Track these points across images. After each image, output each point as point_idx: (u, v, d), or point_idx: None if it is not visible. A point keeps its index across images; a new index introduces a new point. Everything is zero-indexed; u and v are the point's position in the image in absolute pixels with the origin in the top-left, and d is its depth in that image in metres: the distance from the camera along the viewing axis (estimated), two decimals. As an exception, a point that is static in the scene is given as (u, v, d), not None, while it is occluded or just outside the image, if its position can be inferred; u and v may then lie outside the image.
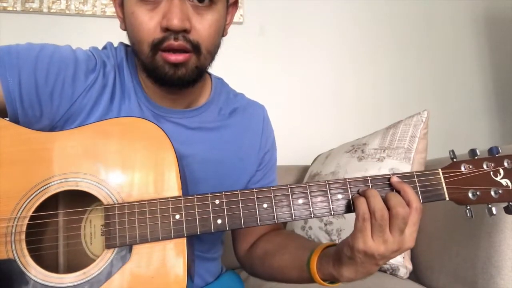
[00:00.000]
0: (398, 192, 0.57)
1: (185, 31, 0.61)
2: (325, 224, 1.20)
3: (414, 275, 1.10)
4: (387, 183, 0.59)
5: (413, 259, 1.11)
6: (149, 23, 0.61)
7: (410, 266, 1.08)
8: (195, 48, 0.63)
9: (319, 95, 1.84)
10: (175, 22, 0.59)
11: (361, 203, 0.55)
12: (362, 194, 0.56)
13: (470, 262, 0.88)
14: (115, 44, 0.77)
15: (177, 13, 0.59)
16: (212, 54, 0.67)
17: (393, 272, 1.08)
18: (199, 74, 0.67)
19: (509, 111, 1.94)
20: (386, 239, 0.53)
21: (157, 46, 0.62)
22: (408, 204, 0.55)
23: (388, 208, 0.54)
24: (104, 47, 0.76)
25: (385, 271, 1.10)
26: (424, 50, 1.93)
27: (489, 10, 1.99)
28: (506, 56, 1.96)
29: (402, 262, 1.07)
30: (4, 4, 1.62)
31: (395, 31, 1.92)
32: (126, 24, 0.67)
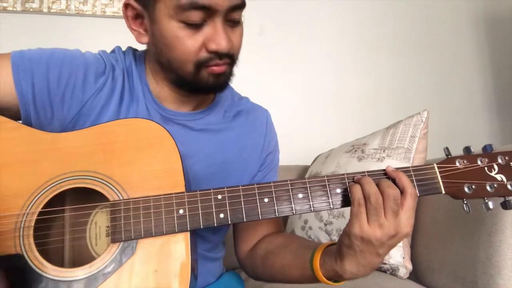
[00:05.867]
0: (394, 180, 0.59)
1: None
2: (325, 224, 1.21)
3: (414, 275, 1.10)
4: (383, 176, 0.61)
5: (413, 259, 1.11)
6: (195, 45, 0.64)
7: (410, 266, 1.09)
8: (232, 59, 0.69)
9: (319, 95, 1.84)
10: (224, 46, 0.64)
11: (357, 190, 0.57)
12: (357, 181, 0.59)
13: (470, 262, 0.88)
14: (123, 48, 0.78)
15: (224, 37, 0.64)
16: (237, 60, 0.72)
17: (393, 272, 1.08)
18: (230, 79, 0.73)
19: (509, 111, 1.94)
20: (381, 223, 0.55)
21: (202, 65, 0.66)
22: (402, 190, 0.57)
23: (380, 191, 0.56)
24: (112, 51, 0.77)
25: (385, 271, 1.10)
26: (425, 50, 1.93)
27: (489, 10, 1.99)
28: (506, 56, 1.96)
29: (402, 262, 1.07)
30: (4, 4, 1.62)
31: (395, 31, 1.92)
32: (160, 43, 0.67)
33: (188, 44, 0.64)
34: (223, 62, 0.66)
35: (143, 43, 0.71)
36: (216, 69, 0.66)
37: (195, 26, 0.63)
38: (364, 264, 0.57)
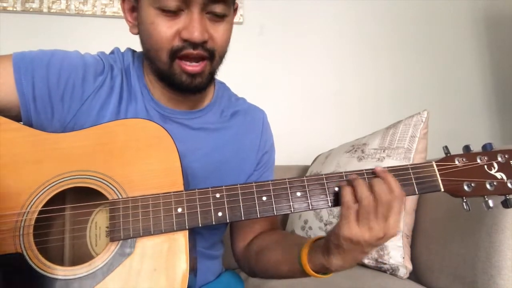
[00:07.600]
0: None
1: (204, 42, 0.65)
2: (325, 224, 1.21)
3: (414, 275, 1.10)
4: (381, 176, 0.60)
5: (413, 259, 1.11)
6: (168, 32, 0.65)
7: (410, 266, 1.08)
8: (211, 55, 0.67)
9: (319, 95, 1.84)
10: (196, 35, 0.64)
11: (347, 192, 0.57)
12: (350, 183, 0.59)
13: (470, 262, 0.88)
14: (122, 48, 0.79)
15: (198, 27, 0.64)
16: (222, 59, 0.72)
17: (393, 272, 1.08)
18: (212, 79, 0.72)
19: (509, 111, 1.94)
20: (371, 227, 0.55)
21: (175, 54, 0.66)
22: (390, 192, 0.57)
23: (373, 195, 0.56)
24: (112, 52, 0.79)
25: (385, 271, 1.10)
26: (424, 50, 1.93)
27: (489, 10, 1.99)
28: (506, 56, 1.96)
29: (402, 262, 1.07)
30: (4, 4, 1.62)
31: (395, 31, 1.92)
32: (141, 31, 0.70)
33: (162, 30, 0.65)
34: (196, 53, 0.65)
35: (134, 34, 0.73)
36: (189, 68, 0.66)
37: (172, 14, 0.64)
38: (349, 259, 0.58)
